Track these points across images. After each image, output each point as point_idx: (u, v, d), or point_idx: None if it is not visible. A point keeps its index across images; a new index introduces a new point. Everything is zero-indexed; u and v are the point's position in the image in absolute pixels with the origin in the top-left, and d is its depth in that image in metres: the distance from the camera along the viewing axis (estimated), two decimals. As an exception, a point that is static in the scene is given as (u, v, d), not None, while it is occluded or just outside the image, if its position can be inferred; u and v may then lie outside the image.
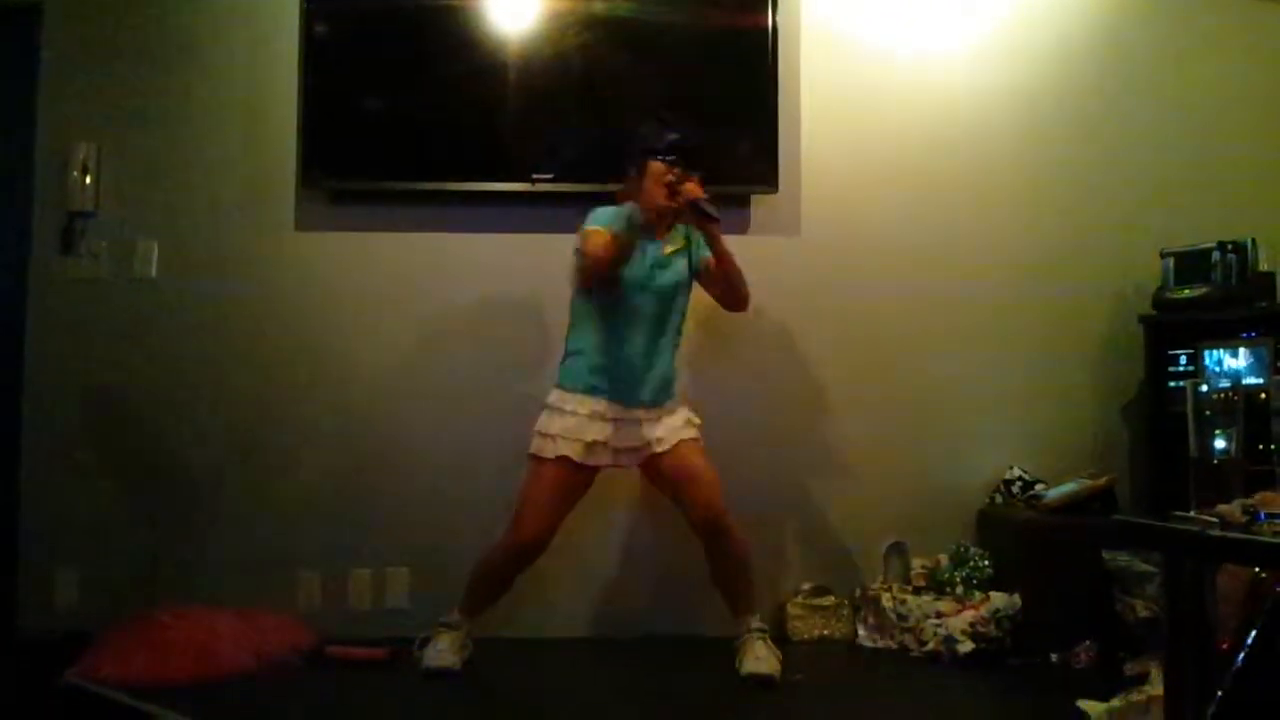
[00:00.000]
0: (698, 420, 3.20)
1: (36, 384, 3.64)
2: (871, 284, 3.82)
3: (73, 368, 3.64)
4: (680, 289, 3.20)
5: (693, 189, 3.06)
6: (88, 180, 3.63)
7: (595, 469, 3.10)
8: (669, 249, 3.18)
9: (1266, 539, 1.66)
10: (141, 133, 3.70)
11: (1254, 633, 1.63)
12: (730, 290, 3.22)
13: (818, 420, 3.78)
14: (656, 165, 3.12)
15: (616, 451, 3.09)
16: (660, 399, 3.14)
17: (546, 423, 3.07)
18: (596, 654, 3.51)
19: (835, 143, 3.83)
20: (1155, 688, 2.49)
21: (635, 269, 3.10)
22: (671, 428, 3.12)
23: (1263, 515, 1.73)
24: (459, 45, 3.62)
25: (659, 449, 3.10)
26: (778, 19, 3.68)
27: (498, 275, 3.68)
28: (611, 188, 3.24)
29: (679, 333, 3.23)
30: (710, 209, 3.05)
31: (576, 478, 3.07)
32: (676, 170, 3.10)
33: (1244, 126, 3.91)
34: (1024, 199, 3.87)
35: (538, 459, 3.05)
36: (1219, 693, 1.62)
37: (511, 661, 3.31)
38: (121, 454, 3.63)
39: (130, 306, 3.66)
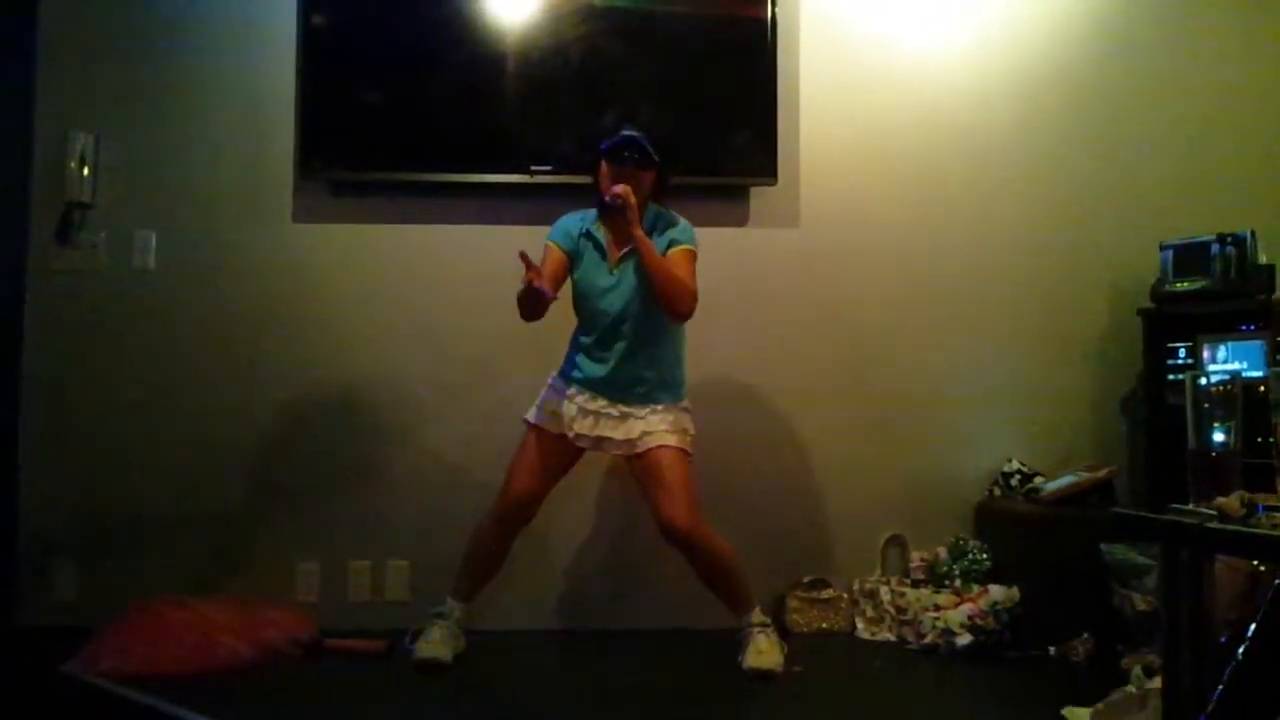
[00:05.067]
0: (689, 429, 3.11)
1: (34, 375, 3.63)
2: (870, 276, 3.82)
3: (71, 359, 3.63)
4: (642, 293, 3.03)
5: (610, 189, 2.94)
6: (85, 170, 3.62)
7: (576, 447, 3.14)
8: (617, 254, 3.08)
9: (1265, 532, 1.65)
10: (139, 123, 3.69)
11: (1253, 627, 1.63)
12: (660, 299, 2.97)
13: (816, 413, 3.78)
14: (604, 166, 3.03)
15: (598, 440, 3.10)
16: (648, 400, 3.08)
17: (542, 395, 3.17)
18: (590, 647, 3.50)
19: (835, 134, 3.83)
20: (1143, 683, 2.49)
21: (593, 277, 3.10)
22: (653, 430, 3.05)
23: (1261, 508, 1.73)
24: (458, 35, 3.62)
25: (633, 451, 3.07)
26: (777, 10, 3.67)
27: (496, 267, 3.66)
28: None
29: (674, 332, 3.12)
30: (614, 203, 2.90)
31: (557, 447, 3.13)
32: (626, 170, 2.98)
33: (1244, 118, 3.90)
34: (1023, 192, 3.86)
35: (526, 424, 3.15)
36: (1218, 687, 1.62)
37: (502, 654, 3.31)
38: (119, 445, 3.62)
39: (128, 297, 3.66)
